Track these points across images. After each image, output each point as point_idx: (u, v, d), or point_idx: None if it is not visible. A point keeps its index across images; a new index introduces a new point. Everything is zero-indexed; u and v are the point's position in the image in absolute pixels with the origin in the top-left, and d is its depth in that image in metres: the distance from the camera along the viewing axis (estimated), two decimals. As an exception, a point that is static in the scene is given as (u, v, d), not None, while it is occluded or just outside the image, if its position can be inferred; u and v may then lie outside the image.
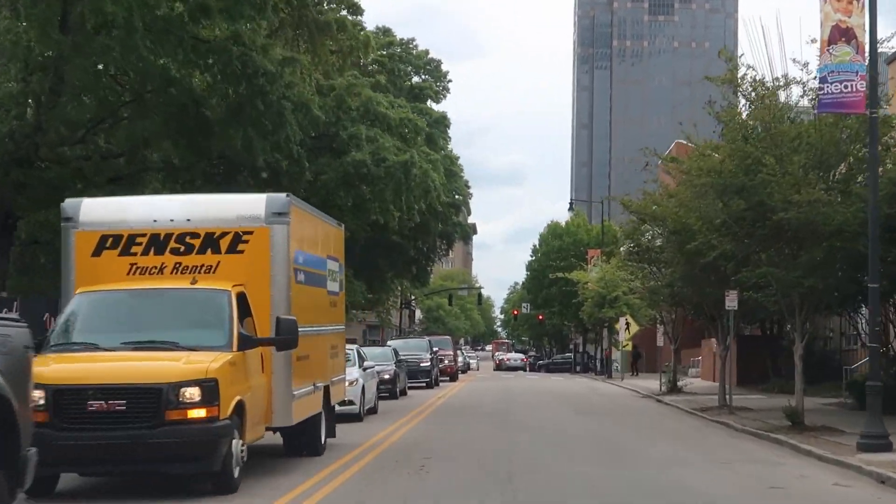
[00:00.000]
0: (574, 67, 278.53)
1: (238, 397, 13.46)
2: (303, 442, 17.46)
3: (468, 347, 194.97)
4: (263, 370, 14.85)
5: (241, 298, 14.66)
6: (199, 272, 14.99)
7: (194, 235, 15.08)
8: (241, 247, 15.09)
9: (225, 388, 13.03)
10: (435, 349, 48.75)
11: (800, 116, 27.74)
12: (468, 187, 71.44)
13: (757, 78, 27.69)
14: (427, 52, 72.61)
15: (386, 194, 34.65)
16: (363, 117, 36.21)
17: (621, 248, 57.18)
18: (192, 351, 13.57)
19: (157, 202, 16.39)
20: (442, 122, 70.55)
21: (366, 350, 39.02)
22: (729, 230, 27.90)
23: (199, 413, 12.72)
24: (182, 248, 15.04)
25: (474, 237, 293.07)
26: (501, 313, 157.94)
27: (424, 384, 45.89)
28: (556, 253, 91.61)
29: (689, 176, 30.62)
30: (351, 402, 25.31)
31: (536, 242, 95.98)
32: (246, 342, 14.08)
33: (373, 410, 28.85)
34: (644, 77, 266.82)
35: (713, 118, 29.80)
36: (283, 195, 15.67)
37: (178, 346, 13.67)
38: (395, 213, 36.06)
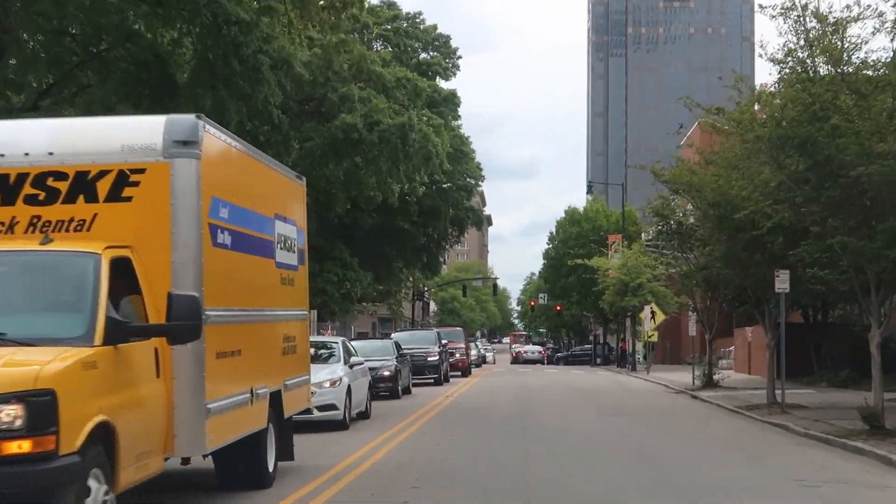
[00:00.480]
0: (588, 56, 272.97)
1: (99, 418, 8.52)
2: (240, 471, 12.58)
3: (484, 340, 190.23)
4: (160, 374, 9.91)
5: (120, 266, 9.80)
6: (66, 229, 10.10)
7: (60, 176, 10.16)
8: (127, 192, 10.19)
9: (71, 404, 8.16)
10: (444, 342, 43.78)
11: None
12: (480, 170, 66.56)
13: (821, 10, 22.52)
14: (435, 27, 67.70)
15: (381, 162, 29.75)
16: (355, 77, 31.28)
17: (649, 229, 52.22)
18: (24, 346, 8.68)
19: (6, 129, 11.17)
20: (451, 100, 65.64)
21: (362, 344, 34.31)
22: (787, 195, 22.94)
23: (19, 446, 7.83)
24: (42, 196, 10.15)
25: (490, 230, 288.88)
26: (518, 305, 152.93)
27: (432, 380, 41.02)
28: (574, 240, 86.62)
29: (741, 128, 25.56)
30: (333, 407, 20.46)
31: (553, 230, 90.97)
32: (118, 332, 9.16)
33: (364, 415, 23.98)
34: (660, 64, 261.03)
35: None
36: (191, 116, 10.75)
37: (2, 340, 8.75)
38: (394, 185, 31.14)
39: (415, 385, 39.07)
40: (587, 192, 73.84)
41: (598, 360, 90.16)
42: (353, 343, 36.12)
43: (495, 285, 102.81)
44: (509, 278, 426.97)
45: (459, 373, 49.34)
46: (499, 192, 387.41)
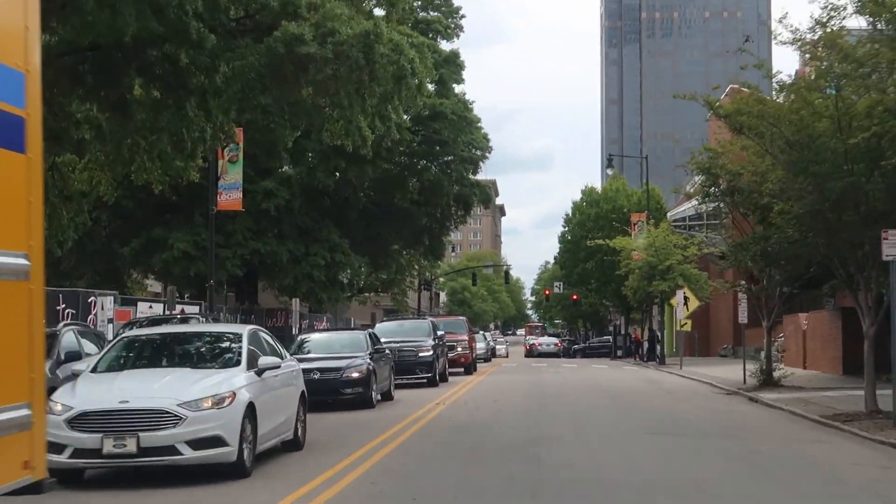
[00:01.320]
0: (601, 42, 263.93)
1: None
2: None
3: (497, 332, 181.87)
4: None
5: None
6: None
7: None
8: None
9: None
10: (441, 333, 35.35)
11: None
12: (487, 140, 58.19)
13: None
14: (435, -21, 59.32)
15: (342, 96, 21.45)
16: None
17: (692, 197, 43.79)
18: None
19: None
20: (453, 60, 57.24)
21: (323, 337, 26.37)
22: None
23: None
24: None
25: (504, 223, 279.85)
26: (532, 295, 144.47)
27: (426, 380, 32.69)
28: (593, 222, 78.21)
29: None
30: (217, 442, 12.14)
31: (569, 211, 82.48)
32: None
33: (293, 444, 15.56)
34: (675, 49, 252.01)
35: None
36: None
37: None
38: (364, 125, 22.92)
39: (403, 386, 30.81)
40: (607, 167, 65.58)
41: (619, 353, 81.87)
42: (313, 336, 28.07)
43: (507, 272, 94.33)
44: (524, 271, 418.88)
45: (462, 369, 41.02)
46: (513, 185, 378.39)
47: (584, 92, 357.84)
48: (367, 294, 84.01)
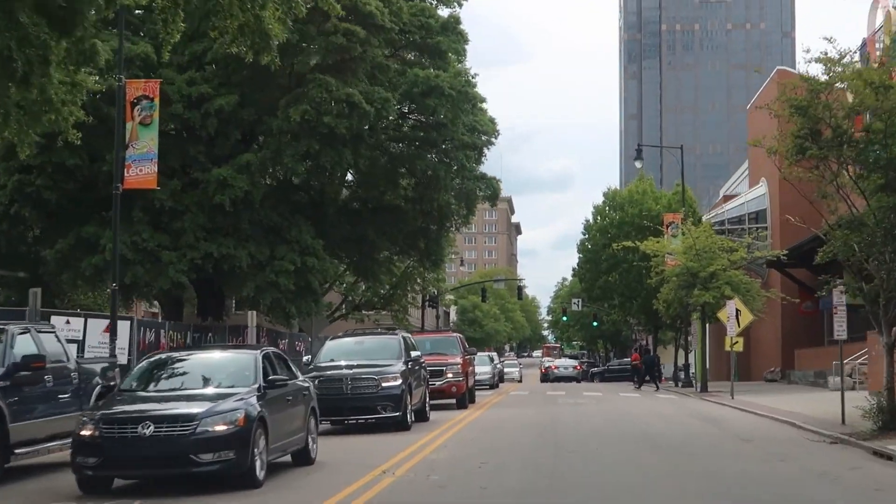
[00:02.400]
0: (620, 56, 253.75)
1: None
2: None
3: (511, 354, 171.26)
4: None
5: None
6: None
7: None
8: None
9: None
10: (416, 355, 24.94)
11: None
12: (494, 124, 48.12)
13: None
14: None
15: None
16: None
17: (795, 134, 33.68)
18: None
19: None
20: (452, 27, 47.14)
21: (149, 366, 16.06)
22: None
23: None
24: None
25: (521, 244, 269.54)
26: (548, 314, 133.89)
27: (392, 424, 22.45)
28: (617, 228, 68.06)
29: None
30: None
31: (590, 216, 72.18)
32: None
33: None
34: (696, 62, 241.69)
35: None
36: None
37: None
38: (271, 21, 12.79)
39: (356, 431, 20.68)
40: (635, 159, 55.48)
41: (646, 378, 71.51)
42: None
43: (520, 288, 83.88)
44: (541, 291, 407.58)
45: (455, 401, 30.80)
46: (531, 206, 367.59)
47: (602, 111, 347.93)
48: (364, 312, 74.07)
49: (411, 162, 46.26)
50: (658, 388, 52.67)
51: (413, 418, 22.94)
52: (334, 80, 39.51)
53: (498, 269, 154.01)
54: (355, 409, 21.40)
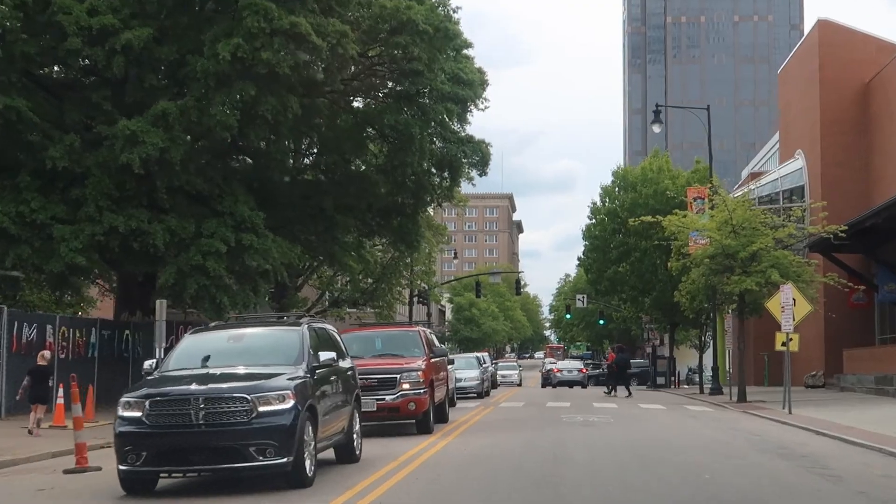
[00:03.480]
0: (624, 49, 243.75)
1: None
2: None
3: (513, 355, 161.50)
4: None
5: None
6: None
7: None
8: None
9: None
10: (327, 358, 15.01)
11: None
12: (483, 74, 38.80)
13: None
14: None
15: None
16: None
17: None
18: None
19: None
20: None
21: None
22: None
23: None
24: None
25: (525, 245, 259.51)
26: (550, 312, 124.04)
27: (279, 477, 12.90)
28: (628, 211, 58.62)
29: None
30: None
31: (597, 199, 62.64)
32: None
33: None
34: (702, 55, 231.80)
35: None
36: None
37: None
38: None
39: (216, 488, 11.38)
40: (652, 122, 46.03)
41: (660, 381, 62.22)
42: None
43: (518, 282, 74.23)
44: (545, 293, 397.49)
45: (415, 421, 21.30)
46: (534, 208, 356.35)
47: (605, 111, 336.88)
48: (347, 308, 64.70)
49: (379, 119, 36.90)
50: (630, 394, 43.24)
51: (313, 468, 13.41)
52: (275, 7, 30.30)
53: (499, 267, 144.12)
54: (210, 452, 12.01)
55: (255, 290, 34.34)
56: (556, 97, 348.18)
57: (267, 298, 41.82)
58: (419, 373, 21.05)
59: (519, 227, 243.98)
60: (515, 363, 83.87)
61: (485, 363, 48.30)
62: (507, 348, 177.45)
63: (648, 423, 25.76)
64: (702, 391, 45.59)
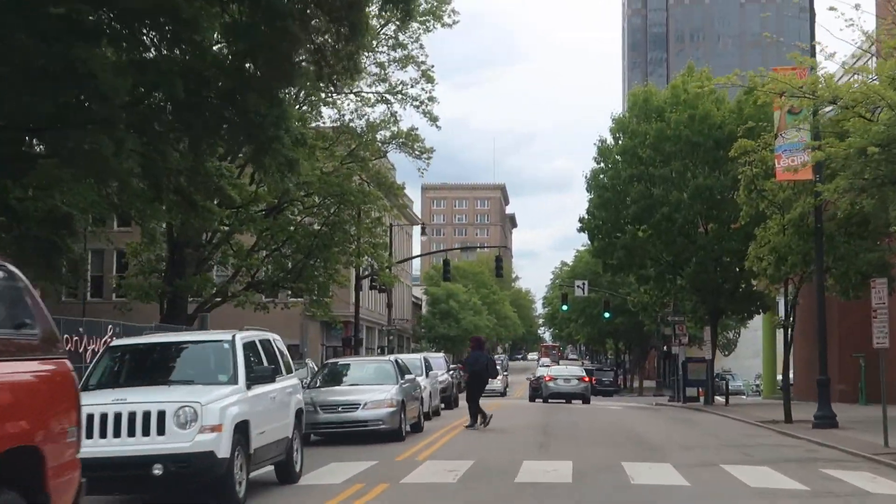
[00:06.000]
0: (624, 36, 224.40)
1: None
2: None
3: (503, 357, 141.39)
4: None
5: None
6: None
7: None
8: None
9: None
10: None
11: None
12: None
13: None
14: None
15: None
16: None
17: None
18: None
19: None
20: None
21: None
22: None
23: None
24: None
25: (521, 245, 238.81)
26: (544, 307, 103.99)
27: None
28: (653, 148, 39.37)
29: None
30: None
31: (607, 135, 42.78)
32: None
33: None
34: (706, 40, 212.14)
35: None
36: None
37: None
38: None
39: None
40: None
41: (684, 395, 42.97)
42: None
43: (499, 260, 54.26)
44: (541, 293, 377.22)
45: None
46: (530, 208, 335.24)
47: (604, 109, 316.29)
48: (266, 297, 45.06)
49: None
50: (482, 421, 22.83)
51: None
52: None
53: (490, 258, 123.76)
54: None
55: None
56: (553, 97, 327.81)
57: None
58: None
59: (512, 221, 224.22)
60: (504, 362, 64.24)
61: (432, 371, 28.59)
62: (499, 349, 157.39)
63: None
64: (788, 417, 25.96)
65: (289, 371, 13.81)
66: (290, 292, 46.80)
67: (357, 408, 18.64)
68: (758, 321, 62.15)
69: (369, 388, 19.43)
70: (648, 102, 40.71)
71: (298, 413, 13.68)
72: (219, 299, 41.84)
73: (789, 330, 27.22)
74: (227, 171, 26.35)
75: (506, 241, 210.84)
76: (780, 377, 54.11)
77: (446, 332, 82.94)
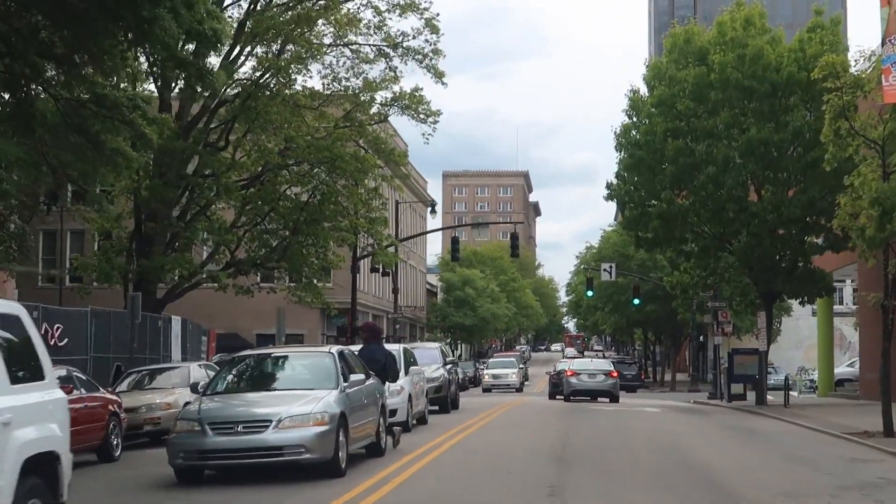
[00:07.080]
0: (650, 24, 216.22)
1: None
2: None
3: (526, 347, 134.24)
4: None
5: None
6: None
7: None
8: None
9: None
10: None
11: None
12: None
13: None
14: None
15: None
16: None
17: None
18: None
19: None
20: None
21: None
22: None
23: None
24: None
25: (547, 237, 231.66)
26: (567, 294, 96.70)
27: None
28: (695, 98, 32.29)
29: None
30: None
31: (639, 83, 35.74)
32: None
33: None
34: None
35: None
36: None
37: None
38: None
39: None
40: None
41: (729, 392, 35.95)
42: None
43: (514, 238, 47.16)
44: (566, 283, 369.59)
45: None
46: (556, 199, 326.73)
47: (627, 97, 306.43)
48: (255, 281, 38.44)
49: None
50: (397, 439, 15.67)
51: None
52: None
53: (502, 243, 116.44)
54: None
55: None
56: (579, 89, 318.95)
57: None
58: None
59: (536, 210, 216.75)
60: (513, 359, 57.17)
61: (414, 367, 21.62)
62: (522, 339, 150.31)
63: None
64: (889, 429, 19.08)
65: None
66: (276, 273, 40.29)
67: (266, 427, 11.84)
68: (797, 308, 55.20)
69: (290, 394, 12.61)
70: (690, 43, 33.58)
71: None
72: (190, 283, 34.98)
73: (889, 314, 20.19)
74: (143, 101, 19.55)
75: (530, 229, 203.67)
76: (842, 370, 47.03)
77: (461, 320, 75.86)
